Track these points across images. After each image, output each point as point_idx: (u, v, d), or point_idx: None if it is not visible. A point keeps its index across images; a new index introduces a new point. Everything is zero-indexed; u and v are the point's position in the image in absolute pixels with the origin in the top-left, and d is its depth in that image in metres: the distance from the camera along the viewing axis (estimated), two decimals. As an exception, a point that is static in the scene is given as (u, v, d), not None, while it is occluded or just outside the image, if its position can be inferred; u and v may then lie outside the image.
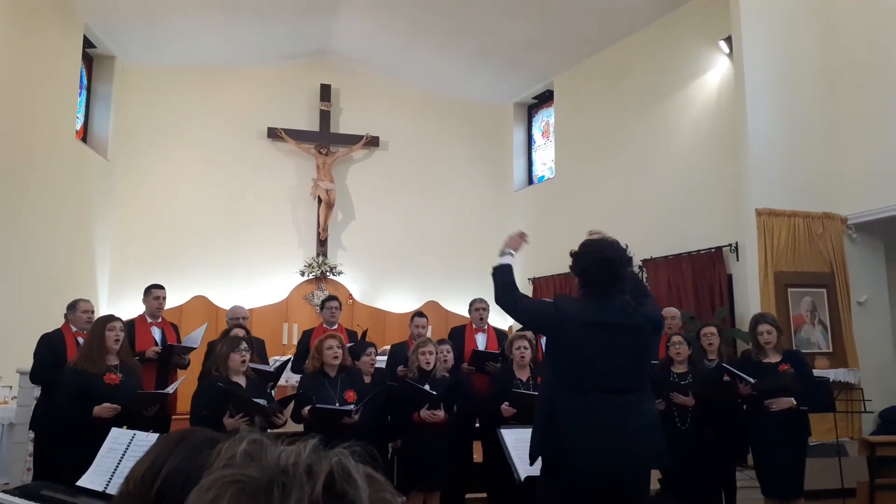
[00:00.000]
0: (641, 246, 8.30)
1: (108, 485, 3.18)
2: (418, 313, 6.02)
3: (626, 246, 2.82)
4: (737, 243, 7.33)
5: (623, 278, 2.74)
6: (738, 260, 7.34)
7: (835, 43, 7.18)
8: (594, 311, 2.72)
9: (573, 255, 2.84)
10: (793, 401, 4.37)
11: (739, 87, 7.02)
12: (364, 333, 6.54)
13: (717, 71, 7.90)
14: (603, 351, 2.66)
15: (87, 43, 8.84)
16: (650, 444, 2.70)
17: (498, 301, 2.96)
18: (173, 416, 5.17)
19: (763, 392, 4.39)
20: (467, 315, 6.12)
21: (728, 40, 7.44)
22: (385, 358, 5.77)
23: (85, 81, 9.16)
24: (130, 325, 5.06)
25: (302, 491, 0.59)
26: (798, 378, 4.46)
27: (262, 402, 4.19)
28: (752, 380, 4.40)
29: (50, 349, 4.82)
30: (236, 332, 4.99)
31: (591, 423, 2.61)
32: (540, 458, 2.75)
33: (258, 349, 5.24)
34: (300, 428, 4.57)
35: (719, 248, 7.54)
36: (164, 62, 9.59)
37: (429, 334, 5.74)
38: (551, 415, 2.68)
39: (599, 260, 2.73)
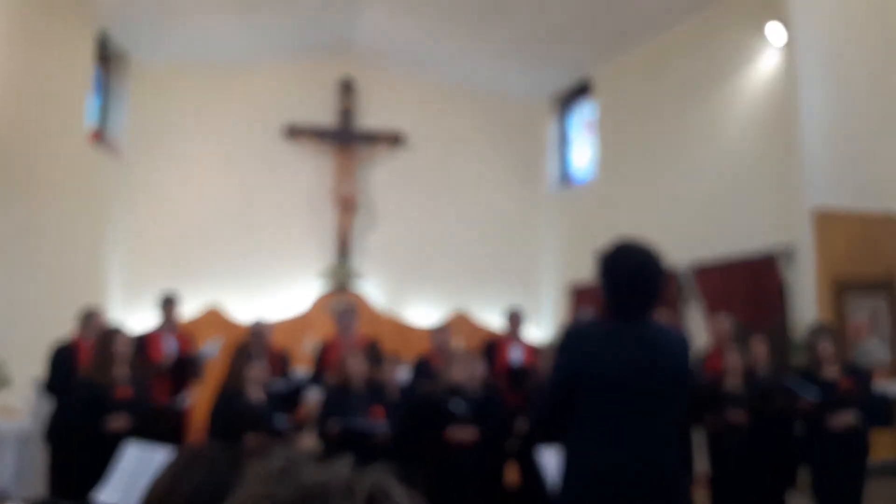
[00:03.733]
0: (688, 250, 7.90)
1: (122, 499, 3.21)
2: (439, 328, 5.89)
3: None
4: (791, 247, 6.93)
5: (654, 294, 2.39)
6: (792, 265, 6.94)
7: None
8: (612, 347, 2.37)
9: (600, 259, 2.44)
10: (856, 416, 4.29)
11: (791, 75, 6.63)
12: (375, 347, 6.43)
13: (767, 59, 7.46)
14: (621, 390, 2.34)
15: (102, 42, 8.71)
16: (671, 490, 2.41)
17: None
18: (188, 430, 5.22)
19: (826, 409, 4.31)
20: (499, 328, 5.86)
21: (778, 25, 7.05)
22: (407, 370, 5.67)
23: (100, 82, 9.05)
24: (145, 337, 5.39)
25: None
26: (861, 394, 4.41)
27: (283, 417, 4.33)
28: (816, 397, 4.29)
29: (63, 361, 4.92)
30: (254, 349, 4.98)
31: (610, 478, 2.33)
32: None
33: (282, 363, 5.31)
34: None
35: (772, 253, 7.12)
36: (180, 59, 9.40)
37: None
38: (579, 469, 2.41)
39: (631, 269, 2.37)
